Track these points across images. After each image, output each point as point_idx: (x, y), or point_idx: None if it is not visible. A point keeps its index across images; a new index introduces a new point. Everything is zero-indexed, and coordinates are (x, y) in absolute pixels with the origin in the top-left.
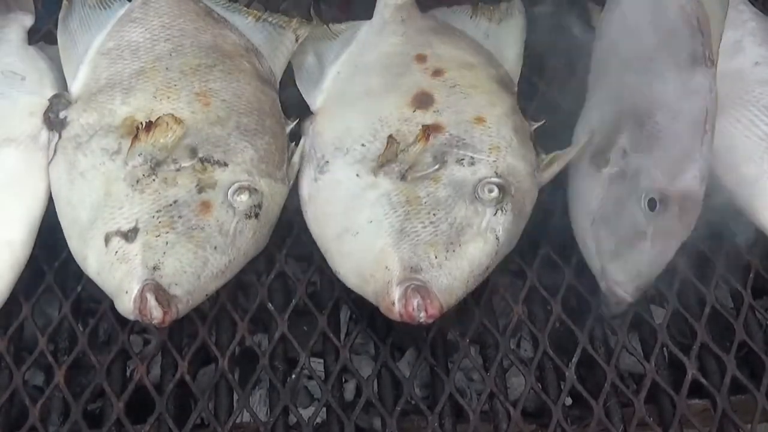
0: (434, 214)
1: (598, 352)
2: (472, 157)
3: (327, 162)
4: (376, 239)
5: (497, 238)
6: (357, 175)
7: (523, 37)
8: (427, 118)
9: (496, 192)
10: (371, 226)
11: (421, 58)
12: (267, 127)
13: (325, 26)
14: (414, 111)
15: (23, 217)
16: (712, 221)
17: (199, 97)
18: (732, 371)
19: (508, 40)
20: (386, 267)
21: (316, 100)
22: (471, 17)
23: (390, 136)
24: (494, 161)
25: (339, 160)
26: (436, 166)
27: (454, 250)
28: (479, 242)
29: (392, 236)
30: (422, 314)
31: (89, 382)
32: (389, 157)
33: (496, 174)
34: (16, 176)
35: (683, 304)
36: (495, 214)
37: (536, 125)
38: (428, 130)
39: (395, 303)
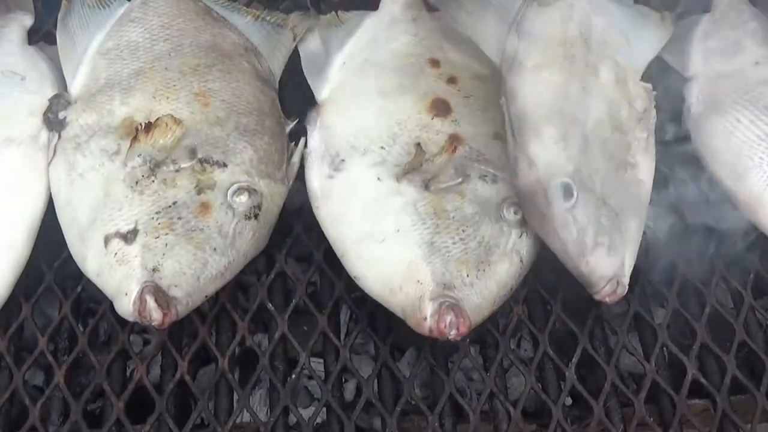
0: (463, 230)
1: (598, 352)
2: (494, 175)
3: (343, 160)
4: (405, 250)
5: (521, 260)
6: (378, 178)
7: None
8: (447, 127)
9: (521, 214)
10: (399, 236)
11: (434, 63)
12: (266, 127)
13: (314, 18)
14: (432, 118)
15: (23, 217)
16: (712, 221)
17: (198, 97)
18: (732, 371)
19: None
20: (418, 281)
21: (322, 90)
22: None
23: (418, 145)
24: None
25: (356, 159)
26: (459, 179)
27: (484, 270)
28: (506, 263)
29: (423, 249)
30: (453, 332)
31: (89, 382)
32: (415, 166)
33: None
34: (16, 176)
35: (683, 304)
36: (520, 236)
37: None
38: (455, 143)
39: (427, 318)
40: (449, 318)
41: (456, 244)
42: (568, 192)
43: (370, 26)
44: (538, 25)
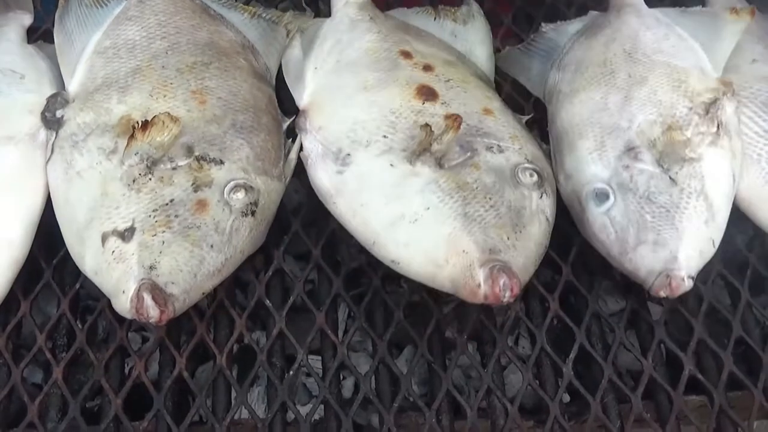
0: (490, 198)
1: (595, 349)
2: (499, 145)
3: (348, 154)
4: (441, 225)
5: (547, 219)
6: (391, 165)
7: (490, 36)
8: (439, 109)
9: (536, 176)
10: (431, 213)
11: (406, 54)
12: (263, 124)
13: (308, 17)
14: (423, 103)
15: (22, 215)
16: None
17: (195, 95)
18: (729, 367)
19: (476, 40)
20: (463, 251)
21: (302, 96)
22: (435, 18)
23: (426, 125)
24: (520, 149)
25: (361, 151)
26: (468, 154)
27: (520, 231)
28: (536, 224)
29: (459, 221)
30: (508, 293)
31: (87, 378)
32: (425, 146)
33: (527, 160)
34: (14, 174)
35: (680, 300)
36: (541, 197)
37: (525, 118)
38: (458, 119)
39: (481, 284)
40: (503, 280)
41: (488, 211)
42: (602, 196)
43: (329, 31)
44: (579, 54)
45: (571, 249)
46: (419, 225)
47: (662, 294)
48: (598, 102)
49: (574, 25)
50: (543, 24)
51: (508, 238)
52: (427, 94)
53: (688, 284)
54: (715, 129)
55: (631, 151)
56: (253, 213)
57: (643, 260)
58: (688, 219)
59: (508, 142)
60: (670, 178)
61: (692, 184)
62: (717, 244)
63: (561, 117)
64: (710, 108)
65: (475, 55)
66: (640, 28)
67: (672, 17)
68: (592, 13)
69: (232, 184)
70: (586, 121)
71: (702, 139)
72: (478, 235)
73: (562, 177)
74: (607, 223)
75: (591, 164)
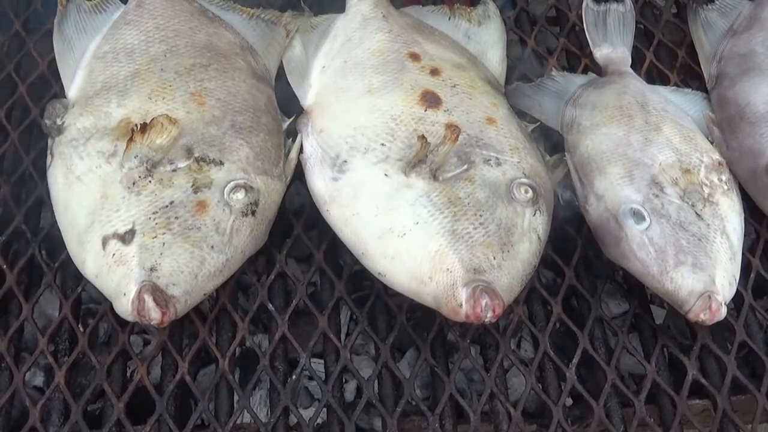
0: (480, 215)
1: (598, 353)
2: (497, 158)
3: (345, 161)
4: (429, 241)
5: (539, 238)
6: (385, 174)
7: (504, 39)
8: (441, 117)
9: (531, 193)
10: (419, 228)
11: (414, 57)
12: (262, 124)
13: (308, 17)
14: (426, 110)
15: None
16: None
17: (194, 96)
18: (732, 371)
19: (489, 42)
20: (447, 269)
21: (307, 95)
22: (449, 18)
23: (422, 137)
24: (518, 162)
25: (358, 159)
26: (465, 166)
27: (508, 251)
28: (526, 242)
29: (446, 238)
30: (489, 314)
31: (89, 382)
32: (421, 158)
33: (524, 175)
34: None
35: None
36: (534, 214)
37: (532, 127)
38: (456, 131)
39: (462, 304)
40: (485, 301)
41: (477, 229)
42: (639, 216)
43: (341, 28)
44: (593, 98)
45: (574, 252)
46: (407, 239)
47: (701, 317)
48: (621, 137)
49: (580, 78)
50: (554, 69)
51: (494, 258)
52: (431, 100)
53: (724, 311)
54: (725, 179)
55: (657, 184)
56: (253, 213)
57: (684, 280)
58: (717, 252)
59: (507, 155)
60: (696, 213)
61: (716, 223)
62: (736, 284)
63: (585, 145)
64: (719, 167)
65: (487, 58)
66: (646, 88)
67: (665, 92)
68: (592, 74)
69: (231, 184)
70: (613, 151)
71: (715, 188)
72: (464, 253)
73: (592, 198)
74: (646, 242)
75: (625, 187)
